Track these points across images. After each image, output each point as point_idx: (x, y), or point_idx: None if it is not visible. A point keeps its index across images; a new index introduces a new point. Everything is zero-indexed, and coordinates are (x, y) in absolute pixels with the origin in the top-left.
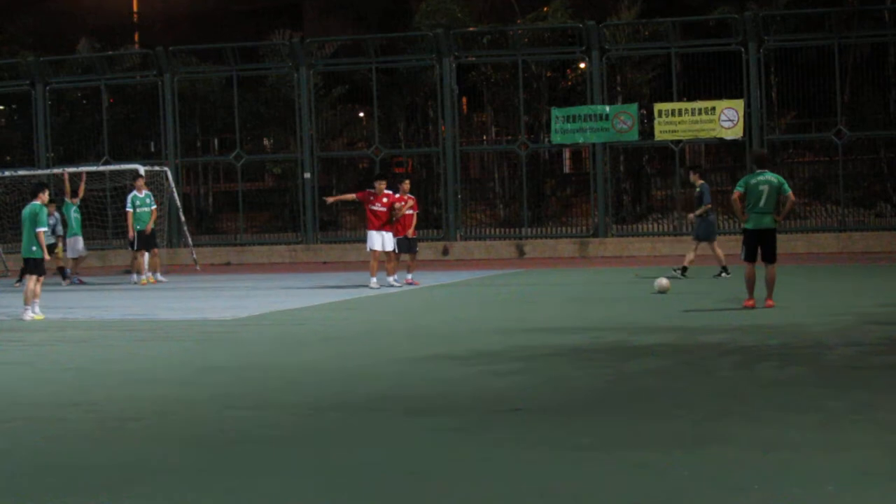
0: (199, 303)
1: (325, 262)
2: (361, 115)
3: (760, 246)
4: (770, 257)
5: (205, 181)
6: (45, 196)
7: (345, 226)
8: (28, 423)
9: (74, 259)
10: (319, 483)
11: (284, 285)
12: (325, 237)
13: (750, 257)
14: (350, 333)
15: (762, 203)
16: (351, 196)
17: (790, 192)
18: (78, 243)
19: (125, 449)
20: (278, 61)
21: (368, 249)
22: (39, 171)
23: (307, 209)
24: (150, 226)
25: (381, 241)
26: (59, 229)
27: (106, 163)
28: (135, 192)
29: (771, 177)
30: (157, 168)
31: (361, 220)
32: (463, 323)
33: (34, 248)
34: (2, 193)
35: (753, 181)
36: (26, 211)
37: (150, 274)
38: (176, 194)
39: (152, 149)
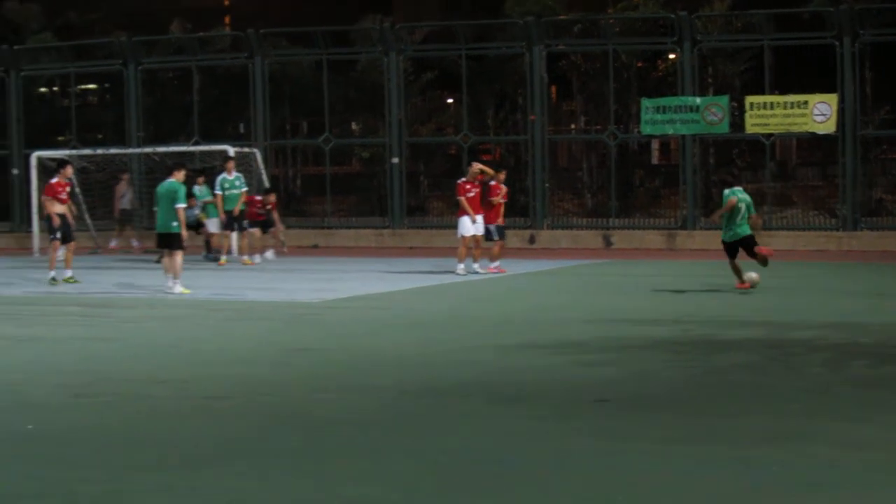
0: (287, 284)
1: (411, 248)
2: (450, 101)
3: (742, 249)
4: (753, 254)
5: (293, 164)
6: (180, 174)
7: (432, 212)
8: (118, 399)
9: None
10: (402, 467)
11: (371, 269)
12: (412, 222)
13: (732, 258)
14: (436, 319)
15: (739, 217)
16: (462, 200)
17: (755, 213)
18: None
19: (212, 427)
20: (368, 46)
21: (460, 235)
22: (130, 150)
23: (394, 194)
24: (238, 207)
25: (474, 226)
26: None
27: (196, 143)
28: (224, 175)
29: (746, 195)
30: (246, 150)
31: (448, 206)
32: (549, 312)
33: (174, 224)
34: (93, 171)
35: (741, 195)
36: (163, 188)
37: (248, 256)
38: (265, 176)
39: (242, 130)
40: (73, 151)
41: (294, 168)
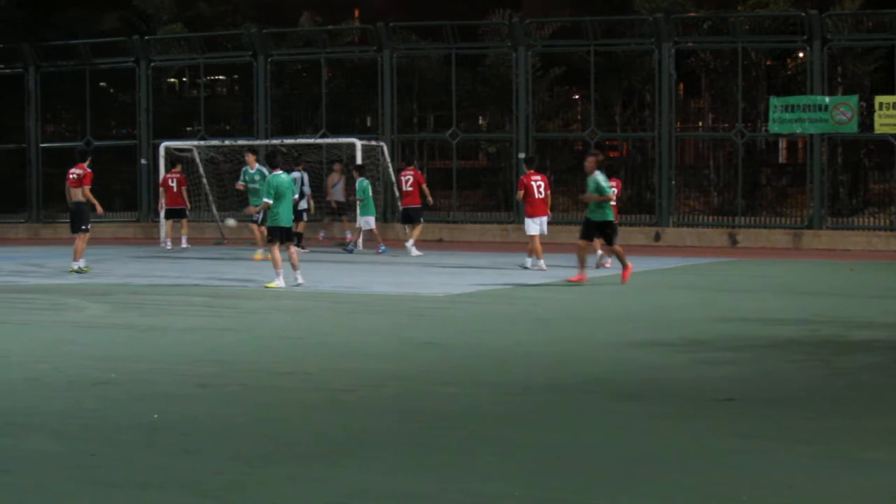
0: (412, 278)
1: None
2: (577, 97)
3: (602, 234)
4: (611, 244)
5: (420, 157)
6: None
7: (557, 207)
8: (243, 389)
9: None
10: (526, 462)
11: (496, 264)
12: None
13: (591, 239)
14: (560, 315)
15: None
16: (521, 193)
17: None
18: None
19: (337, 420)
20: (497, 41)
21: (528, 234)
22: (257, 142)
23: None
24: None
25: (539, 226)
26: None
27: (323, 136)
28: (246, 167)
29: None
30: (373, 143)
31: (573, 203)
32: (674, 310)
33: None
34: (221, 161)
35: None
36: (288, 181)
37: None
38: (391, 169)
39: (369, 124)
40: (201, 142)
41: (420, 161)
